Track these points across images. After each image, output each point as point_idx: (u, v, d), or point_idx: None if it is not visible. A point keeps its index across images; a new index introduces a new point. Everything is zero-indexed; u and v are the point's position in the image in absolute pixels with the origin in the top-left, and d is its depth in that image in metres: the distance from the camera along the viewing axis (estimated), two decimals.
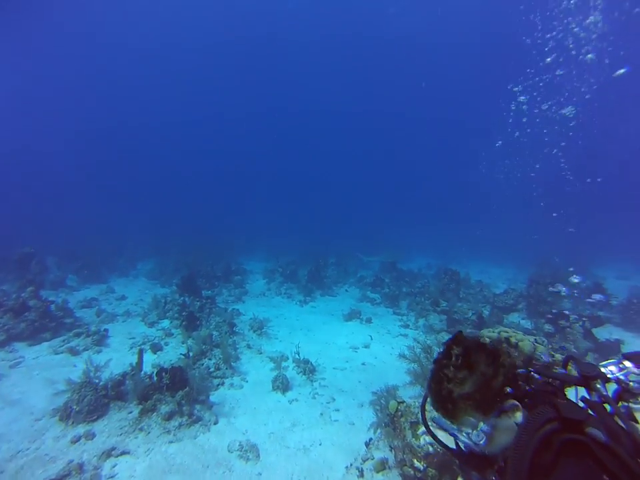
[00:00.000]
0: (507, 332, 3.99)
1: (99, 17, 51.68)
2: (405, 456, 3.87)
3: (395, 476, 4.38)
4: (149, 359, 8.69)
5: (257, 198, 68.64)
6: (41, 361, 8.64)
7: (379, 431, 5.35)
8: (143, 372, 7.03)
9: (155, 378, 6.51)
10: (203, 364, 8.34)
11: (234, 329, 10.79)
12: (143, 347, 9.41)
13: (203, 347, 8.92)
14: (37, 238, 25.66)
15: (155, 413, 6.16)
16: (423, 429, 3.82)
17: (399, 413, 4.23)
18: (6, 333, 9.32)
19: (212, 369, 8.08)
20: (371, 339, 10.86)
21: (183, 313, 10.98)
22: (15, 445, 5.62)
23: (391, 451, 4.36)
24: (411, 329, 12.01)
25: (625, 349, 8.96)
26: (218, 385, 7.68)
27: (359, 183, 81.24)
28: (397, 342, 10.77)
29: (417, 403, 4.23)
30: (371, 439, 5.60)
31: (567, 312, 9.60)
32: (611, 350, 8.70)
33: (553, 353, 3.81)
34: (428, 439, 3.69)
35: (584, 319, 9.33)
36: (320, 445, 5.88)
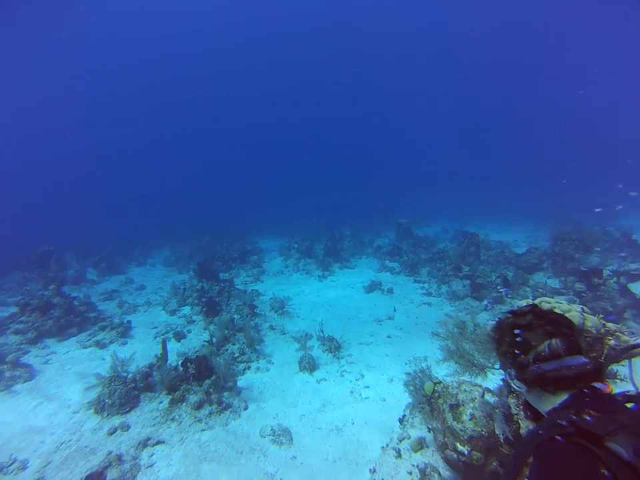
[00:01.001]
0: (549, 302, 3.69)
1: (99, 16, 50.91)
2: (446, 439, 3.75)
3: (434, 455, 4.31)
4: (174, 348, 8.81)
5: (268, 178, 68.59)
6: (71, 355, 8.86)
7: (412, 408, 5.27)
8: (168, 363, 7.10)
9: (181, 369, 6.54)
10: (227, 349, 8.38)
11: (255, 311, 10.81)
12: (166, 336, 9.54)
13: (226, 332, 8.94)
14: (53, 236, 26.26)
15: (184, 403, 6.22)
16: (466, 410, 3.67)
17: (436, 394, 4.08)
18: (36, 331, 9.54)
19: (237, 354, 8.12)
20: (395, 310, 10.73)
21: (203, 299, 11.02)
22: (58, 438, 5.84)
23: (429, 431, 4.26)
24: (434, 296, 11.84)
25: None
26: (244, 369, 7.72)
27: (370, 156, 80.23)
28: (421, 311, 10.65)
29: (454, 383, 4.07)
30: (404, 416, 5.52)
31: (600, 268, 9.22)
32: None
33: (604, 322, 3.52)
34: (471, 424, 3.54)
35: (620, 275, 8.95)
36: (352, 424, 5.86)
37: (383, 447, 4.98)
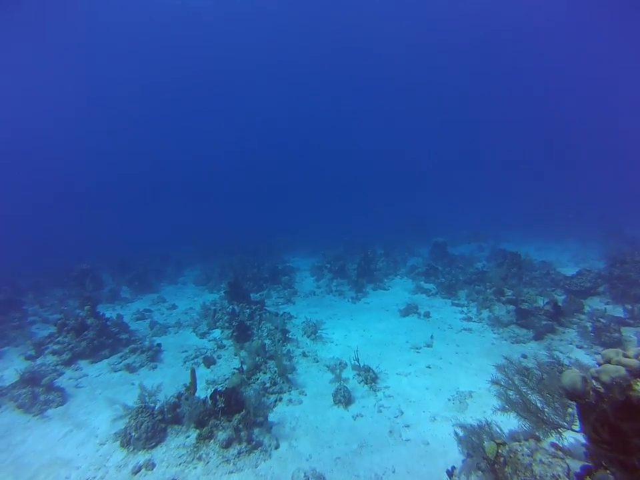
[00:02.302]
0: None
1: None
2: None
3: None
4: (203, 374, 8.55)
5: (296, 195, 69.29)
6: (101, 379, 8.79)
7: (465, 467, 4.67)
8: (197, 394, 6.82)
9: (210, 402, 6.22)
10: (257, 379, 8.02)
11: (287, 336, 10.44)
12: (195, 361, 9.32)
13: (257, 359, 8.60)
14: (89, 249, 27.26)
15: (212, 440, 5.87)
16: None
17: (501, 458, 3.51)
18: (71, 352, 9.60)
19: (268, 384, 7.72)
20: (432, 337, 10.06)
21: (233, 323, 10.78)
22: (83, 473, 5.65)
23: None
24: (474, 321, 11.06)
25: None
26: (275, 401, 7.31)
27: (398, 169, 79.77)
28: (462, 338, 9.91)
29: (525, 448, 3.47)
30: (453, 469, 4.93)
31: None
32: None
33: None
34: None
35: None
36: (393, 472, 5.30)
37: None
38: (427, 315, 11.98)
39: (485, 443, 3.82)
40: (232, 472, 5.40)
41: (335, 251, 22.22)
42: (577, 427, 3.86)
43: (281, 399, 7.38)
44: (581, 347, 8.48)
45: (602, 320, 8.56)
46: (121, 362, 9.36)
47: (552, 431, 3.94)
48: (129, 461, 5.80)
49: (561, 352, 8.19)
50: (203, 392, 7.57)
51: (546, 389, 4.10)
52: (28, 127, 64.43)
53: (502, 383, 4.43)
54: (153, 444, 6.03)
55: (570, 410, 3.97)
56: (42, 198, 64.54)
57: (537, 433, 3.91)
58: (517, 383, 4.41)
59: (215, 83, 67.73)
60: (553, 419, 3.92)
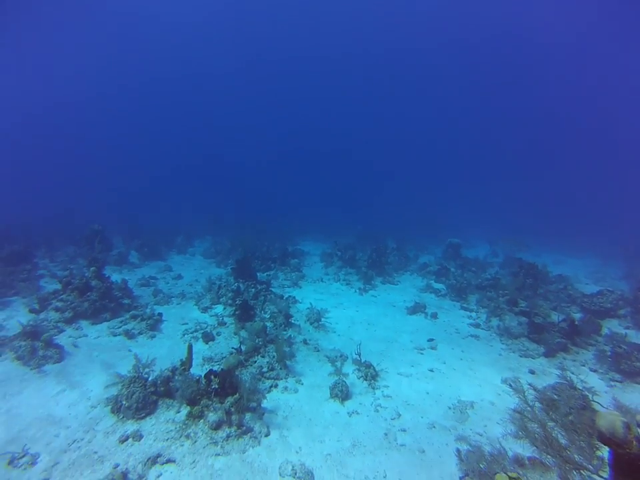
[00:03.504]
0: None
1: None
2: None
3: None
4: (200, 350, 8.43)
5: (315, 180, 68.83)
6: (100, 342, 8.76)
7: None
8: (192, 370, 6.69)
9: (204, 382, 6.06)
10: (255, 361, 7.86)
11: (289, 321, 10.26)
12: (195, 335, 9.22)
13: (257, 340, 8.45)
14: (108, 213, 27.46)
15: (202, 420, 5.73)
16: None
17: None
18: (73, 311, 9.60)
19: (265, 369, 7.56)
20: (434, 341, 9.76)
21: (237, 301, 10.62)
22: (71, 433, 5.61)
23: None
24: (482, 329, 10.70)
25: None
26: (271, 386, 7.14)
27: (415, 168, 78.89)
28: (468, 344, 9.60)
29: None
30: None
31: None
32: None
33: None
34: None
35: None
36: (384, 477, 5.08)
37: None
38: (435, 315, 11.67)
39: (497, 476, 3.52)
40: (219, 454, 5.26)
41: (347, 239, 21.92)
42: (605, 473, 3.51)
43: (276, 386, 7.22)
44: (594, 371, 8.09)
45: (623, 346, 8.11)
46: (120, 327, 9.32)
47: (573, 471, 3.61)
48: (118, 428, 5.72)
49: (572, 373, 7.82)
50: (198, 368, 7.48)
51: (573, 425, 3.75)
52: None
53: (525, 414, 4.08)
54: (143, 415, 5.93)
55: (599, 453, 3.63)
56: (68, 159, 65.65)
57: (547, 464, 3.62)
58: (537, 412, 4.09)
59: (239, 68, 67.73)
60: (576, 459, 3.58)
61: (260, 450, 5.47)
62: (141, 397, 5.95)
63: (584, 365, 8.36)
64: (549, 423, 3.94)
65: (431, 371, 8.19)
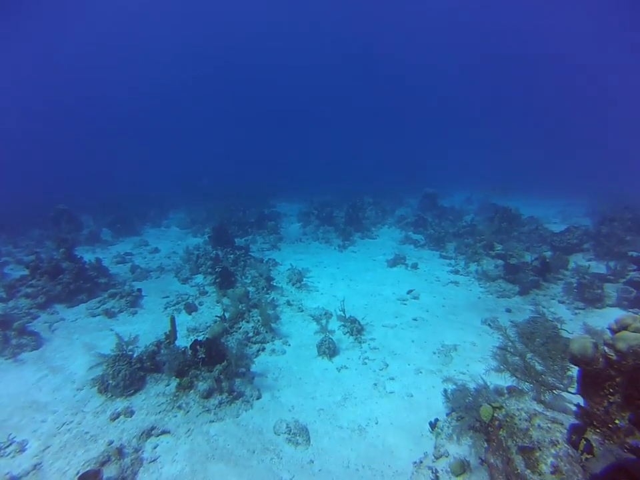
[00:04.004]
0: None
1: None
2: None
3: None
4: (184, 321, 8.25)
5: (287, 140, 66.94)
6: (79, 324, 8.43)
7: (450, 419, 4.54)
8: (177, 342, 6.52)
9: (190, 352, 5.92)
10: (240, 327, 7.76)
11: (271, 283, 10.14)
12: (177, 307, 9.00)
13: (240, 306, 8.30)
14: (72, 191, 25.98)
15: (192, 390, 5.64)
16: (545, 459, 2.85)
17: (496, 422, 3.29)
18: (45, 295, 9.14)
19: (250, 334, 7.48)
20: (416, 291, 9.88)
21: (217, 269, 10.36)
22: (59, 417, 5.41)
23: (481, 464, 3.51)
24: (461, 275, 10.90)
25: None
26: (258, 350, 7.10)
27: (389, 119, 77.64)
28: (449, 291, 9.78)
29: (522, 413, 3.23)
30: (437, 420, 4.83)
31: None
32: None
33: None
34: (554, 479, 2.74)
35: None
36: (377, 423, 5.19)
37: (415, 463, 4.30)
38: (415, 266, 11.78)
39: (482, 408, 3.58)
40: (212, 421, 5.22)
41: (323, 197, 21.62)
42: (573, 389, 3.68)
43: (264, 349, 7.17)
44: (562, 302, 8.46)
45: (586, 277, 8.43)
46: (99, 307, 8.97)
47: (547, 391, 3.74)
48: (107, 407, 5.57)
49: (544, 307, 8.11)
50: (183, 340, 7.30)
51: (548, 353, 3.84)
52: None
53: (507, 348, 4.13)
54: (132, 391, 5.79)
55: (569, 373, 3.77)
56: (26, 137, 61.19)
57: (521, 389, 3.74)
58: (518, 345, 4.15)
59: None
60: (551, 382, 3.71)
61: (253, 412, 5.46)
62: (128, 374, 5.78)
63: (554, 299, 8.70)
64: (528, 354, 4.03)
65: (415, 320, 8.31)
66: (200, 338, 7.08)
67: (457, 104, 77.89)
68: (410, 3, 61.02)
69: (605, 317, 7.61)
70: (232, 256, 11.59)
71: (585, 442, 3.20)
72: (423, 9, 62.05)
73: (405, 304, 9.17)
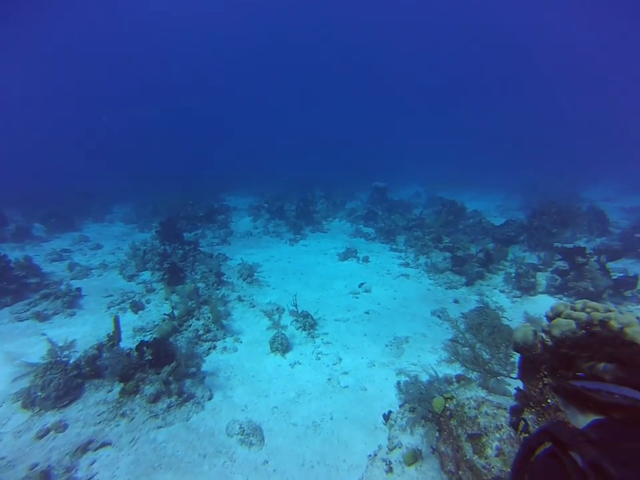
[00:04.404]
0: (597, 308, 2.86)
1: None
2: (461, 473, 2.98)
3: (431, 470, 3.62)
4: (130, 321, 7.65)
5: (243, 133, 64.98)
6: (1, 330, 7.42)
7: (402, 409, 4.54)
8: (122, 344, 5.99)
9: (135, 354, 5.45)
10: (190, 325, 7.33)
11: (221, 279, 9.73)
12: (122, 306, 8.34)
13: (190, 303, 7.85)
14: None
15: (138, 395, 5.19)
16: (490, 443, 2.88)
17: (447, 412, 3.30)
18: None
19: (201, 332, 7.08)
20: (367, 284, 9.94)
21: (165, 265, 9.77)
22: None
23: (432, 452, 3.52)
24: (411, 267, 11.08)
25: None
26: (209, 349, 6.74)
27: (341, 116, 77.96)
28: (399, 284, 9.92)
29: (471, 402, 3.26)
30: (390, 412, 4.82)
31: (584, 246, 8.72)
32: (627, 286, 7.99)
33: None
34: (499, 462, 2.77)
35: (601, 253, 8.50)
36: (331, 419, 5.10)
37: (370, 456, 4.25)
38: (366, 259, 11.84)
39: (434, 399, 3.58)
40: (160, 427, 4.85)
41: (274, 191, 21.21)
42: (514, 374, 3.82)
43: (215, 347, 6.83)
44: (503, 292, 8.89)
45: (522, 267, 8.94)
46: (28, 310, 8.03)
47: (493, 378, 3.84)
48: (33, 424, 4.89)
49: (487, 296, 8.49)
50: (129, 341, 6.74)
51: (494, 342, 3.94)
52: None
53: (458, 340, 4.18)
54: (66, 402, 5.20)
55: (512, 360, 3.89)
56: None
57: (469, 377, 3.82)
58: (467, 336, 4.21)
59: None
60: (497, 369, 3.81)
61: (204, 414, 5.15)
62: (62, 383, 5.20)
63: (495, 288, 9.11)
64: (477, 345, 4.12)
65: (367, 313, 8.32)
66: (147, 338, 6.60)
67: (404, 99, 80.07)
68: None
69: (538, 304, 8.11)
70: (181, 251, 10.98)
71: (523, 422, 3.34)
72: None
73: (357, 297, 9.18)
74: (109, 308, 8.32)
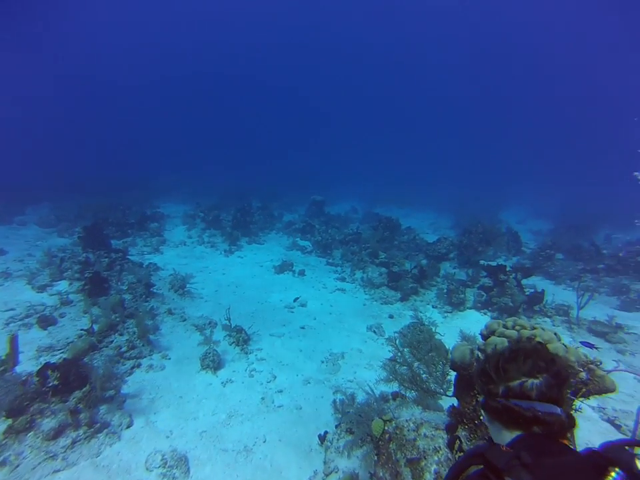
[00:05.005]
0: (524, 326, 2.91)
1: None
2: None
3: None
4: (35, 338, 6.56)
5: (174, 139, 61.61)
6: None
7: (337, 426, 4.31)
8: (18, 369, 5.05)
9: (36, 380, 4.59)
10: (112, 341, 6.48)
11: (151, 290, 8.88)
12: (26, 320, 7.14)
13: (113, 317, 6.99)
14: None
15: (31, 433, 4.29)
16: (429, 467, 2.74)
17: (386, 435, 3.12)
18: None
19: (124, 348, 6.28)
20: (297, 300, 9.66)
21: (86, 274, 8.67)
22: None
23: (370, 478, 3.31)
24: (347, 282, 11.02)
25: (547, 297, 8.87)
26: (133, 367, 5.98)
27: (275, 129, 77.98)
28: (335, 298, 9.79)
29: (410, 424, 3.12)
30: (326, 433, 4.57)
31: (504, 264, 9.32)
32: (536, 301, 8.64)
33: (592, 367, 2.85)
34: None
35: (517, 271, 9.15)
36: (264, 442, 4.71)
37: None
38: (302, 273, 11.60)
39: (373, 422, 3.40)
40: (58, 470, 4.05)
41: (210, 199, 20.30)
42: (450, 392, 3.79)
43: (139, 365, 6.09)
44: (435, 307, 9.14)
45: (453, 283, 9.32)
46: None
47: (430, 397, 3.78)
48: None
49: (421, 311, 8.67)
50: (31, 363, 5.72)
51: (432, 360, 3.89)
52: None
53: (398, 361, 4.06)
54: None
55: (448, 378, 3.86)
56: None
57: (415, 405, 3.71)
58: (406, 356, 4.12)
59: None
60: (434, 388, 3.75)
61: (120, 446, 4.47)
62: None
63: (429, 304, 9.34)
64: (415, 363, 4.05)
65: (303, 328, 8.04)
66: (56, 358, 5.68)
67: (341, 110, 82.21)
68: None
69: (467, 319, 8.46)
70: (106, 259, 9.87)
71: (458, 442, 3.30)
72: None
73: (293, 312, 8.88)
74: (7, 324, 7.02)
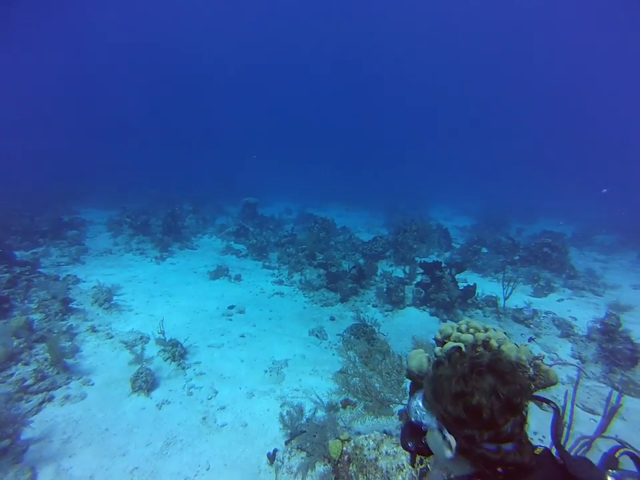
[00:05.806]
0: (478, 329, 2.79)
1: None
2: None
3: None
4: None
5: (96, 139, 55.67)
6: None
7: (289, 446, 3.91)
8: None
9: None
10: (11, 375, 5.34)
11: (69, 306, 7.66)
12: None
13: (15, 343, 5.81)
14: None
15: None
16: None
17: (345, 456, 2.81)
18: None
19: (30, 381, 5.20)
20: (233, 308, 9.11)
21: None
22: None
23: None
24: (285, 285, 10.61)
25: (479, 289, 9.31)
26: (41, 403, 4.96)
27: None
28: (274, 303, 9.32)
29: (370, 441, 2.83)
30: (275, 451, 4.15)
31: (439, 260, 9.60)
32: (469, 295, 9.01)
33: (538, 362, 2.80)
34: None
35: (451, 267, 9.50)
36: (208, 469, 4.14)
37: None
38: (238, 277, 10.94)
39: (330, 443, 3.06)
40: None
41: (138, 204, 18.58)
42: (406, 400, 3.59)
43: (51, 399, 5.07)
44: (375, 306, 9.12)
45: (392, 282, 9.39)
46: None
47: (384, 406, 3.55)
48: None
49: (362, 312, 8.56)
50: None
51: (386, 369, 3.67)
52: None
53: (349, 372, 3.77)
54: None
55: (403, 386, 3.67)
56: None
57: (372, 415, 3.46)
58: (358, 366, 3.85)
59: None
60: (387, 397, 3.53)
61: None
62: None
63: (369, 303, 9.29)
64: (368, 373, 3.81)
65: (242, 336, 7.46)
66: None
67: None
68: None
69: (407, 316, 8.55)
70: (7, 275, 8.32)
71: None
72: None
73: (231, 319, 8.25)
74: None
